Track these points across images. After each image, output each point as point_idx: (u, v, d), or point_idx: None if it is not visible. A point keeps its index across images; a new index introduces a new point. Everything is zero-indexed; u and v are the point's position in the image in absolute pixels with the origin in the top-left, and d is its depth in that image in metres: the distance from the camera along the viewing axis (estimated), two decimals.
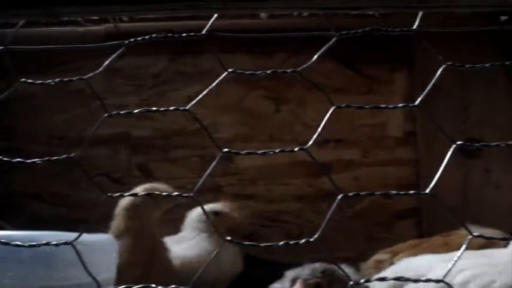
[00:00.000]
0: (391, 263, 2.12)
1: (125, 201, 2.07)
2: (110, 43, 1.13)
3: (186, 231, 2.39)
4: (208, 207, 2.35)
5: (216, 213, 2.35)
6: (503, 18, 2.83)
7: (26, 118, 3.00)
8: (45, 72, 2.90)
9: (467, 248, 0.94)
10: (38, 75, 2.88)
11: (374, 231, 2.84)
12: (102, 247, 1.68)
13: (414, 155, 2.90)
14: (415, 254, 2.12)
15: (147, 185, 2.08)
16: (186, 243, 2.33)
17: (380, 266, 2.16)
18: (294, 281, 1.64)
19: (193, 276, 0.90)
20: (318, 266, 1.69)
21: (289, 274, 1.69)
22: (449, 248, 2.11)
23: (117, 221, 2.08)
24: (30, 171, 2.92)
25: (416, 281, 0.84)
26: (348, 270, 1.78)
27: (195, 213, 2.39)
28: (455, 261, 0.87)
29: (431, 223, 2.77)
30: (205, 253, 2.23)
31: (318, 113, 2.94)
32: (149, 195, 1.27)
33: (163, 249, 2.12)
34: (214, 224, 2.31)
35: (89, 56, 2.81)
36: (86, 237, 1.54)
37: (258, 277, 1.91)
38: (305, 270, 1.67)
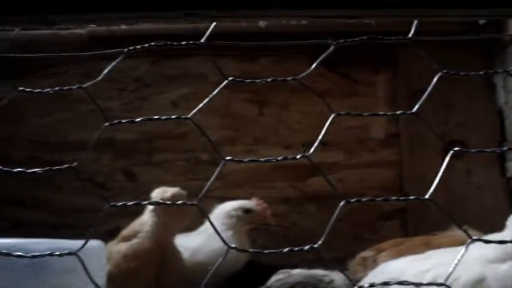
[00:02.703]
0: (374, 260, 2.19)
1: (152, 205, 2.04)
2: (110, 51, 1.12)
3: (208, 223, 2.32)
4: (238, 203, 2.35)
5: (247, 211, 2.33)
6: (481, 21, 2.88)
7: (5, 122, 2.95)
8: (27, 77, 2.87)
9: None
10: (20, 80, 2.85)
11: (360, 232, 2.87)
12: (92, 254, 1.67)
13: (397, 156, 2.95)
14: (398, 252, 2.20)
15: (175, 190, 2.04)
16: (206, 235, 2.26)
17: (365, 263, 2.23)
18: None
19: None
20: (298, 276, 1.71)
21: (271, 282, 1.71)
22: (428, 247, 2.18)
23: (141, 222, 2.06)
24: (11, 176, 2.88)
25: (418, 284, 0.86)
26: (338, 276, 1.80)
27: (224, 208, 2.34)
28: (456, 264, 0.89)
29: (416, 224, 2.81)
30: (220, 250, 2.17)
31: (302, 116, 2.96)
32: (154, 204, 1.26)
33: (176, 253, 2.10)
34: (243, 221, 2.29)
35: (74, 59, 2.79)
36: (76, 243, 1.54)
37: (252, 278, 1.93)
38: (276, 283, 1.70)
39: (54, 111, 2.94)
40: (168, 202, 1.89)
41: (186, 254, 2.25)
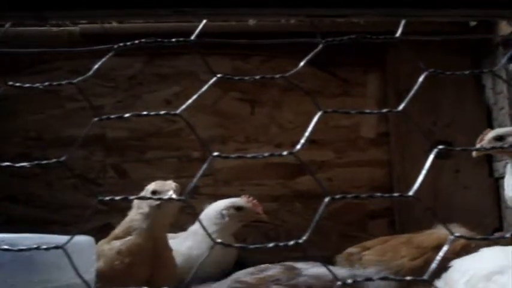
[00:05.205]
0: (360, 257, 2.22)
1: (144, 202, 2.03)
2: (99, 47, 1.12)
3: (198, 224, 2.29)
4: (229, 201, 2.35)
5: (239, 208, 2.33)
6: (472, 23, 2.91)
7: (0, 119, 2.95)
8: (20, 72, 2.87)
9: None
10: (13, 76, 2.85)
11: (348, 231, 2.89)
12: (81, 249, 1.68)
13: (387, 156, 2.97)
14: (382, 250, 2.24)
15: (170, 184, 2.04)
16: (194, 239, 2.26)
17: (351, 258, 2.26)
18: None
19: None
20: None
21: None
22: (410, 245, 2.22)
23: (130, 219, 2.06)
24: (3, 172, 2.88)
25: (398, 280, 0.87)
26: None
27: (215, 207, 2.34)
28: (437, 260, 0.91)
29: (403, 223, 2.84)
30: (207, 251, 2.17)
31: (293, 115, 2.98)
32: (142, 198, 1.26)
33: (168, 250, 2.10)
34: (236, 218, 2.30)
35: (65, 56, 2.79)
36: (65, 239, 1.55)
37: None
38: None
39: (45, 108, 2.94)
40: (156, 197, 1.90)
41: (178, 259, 2.25)
